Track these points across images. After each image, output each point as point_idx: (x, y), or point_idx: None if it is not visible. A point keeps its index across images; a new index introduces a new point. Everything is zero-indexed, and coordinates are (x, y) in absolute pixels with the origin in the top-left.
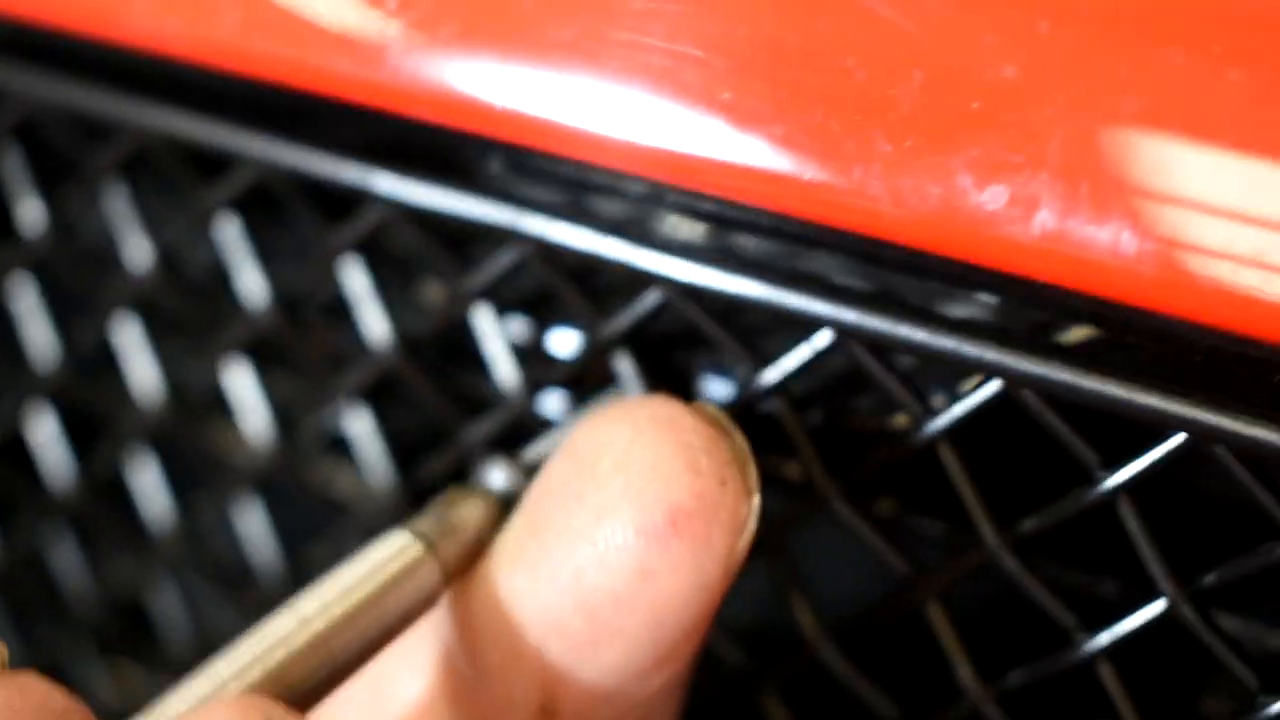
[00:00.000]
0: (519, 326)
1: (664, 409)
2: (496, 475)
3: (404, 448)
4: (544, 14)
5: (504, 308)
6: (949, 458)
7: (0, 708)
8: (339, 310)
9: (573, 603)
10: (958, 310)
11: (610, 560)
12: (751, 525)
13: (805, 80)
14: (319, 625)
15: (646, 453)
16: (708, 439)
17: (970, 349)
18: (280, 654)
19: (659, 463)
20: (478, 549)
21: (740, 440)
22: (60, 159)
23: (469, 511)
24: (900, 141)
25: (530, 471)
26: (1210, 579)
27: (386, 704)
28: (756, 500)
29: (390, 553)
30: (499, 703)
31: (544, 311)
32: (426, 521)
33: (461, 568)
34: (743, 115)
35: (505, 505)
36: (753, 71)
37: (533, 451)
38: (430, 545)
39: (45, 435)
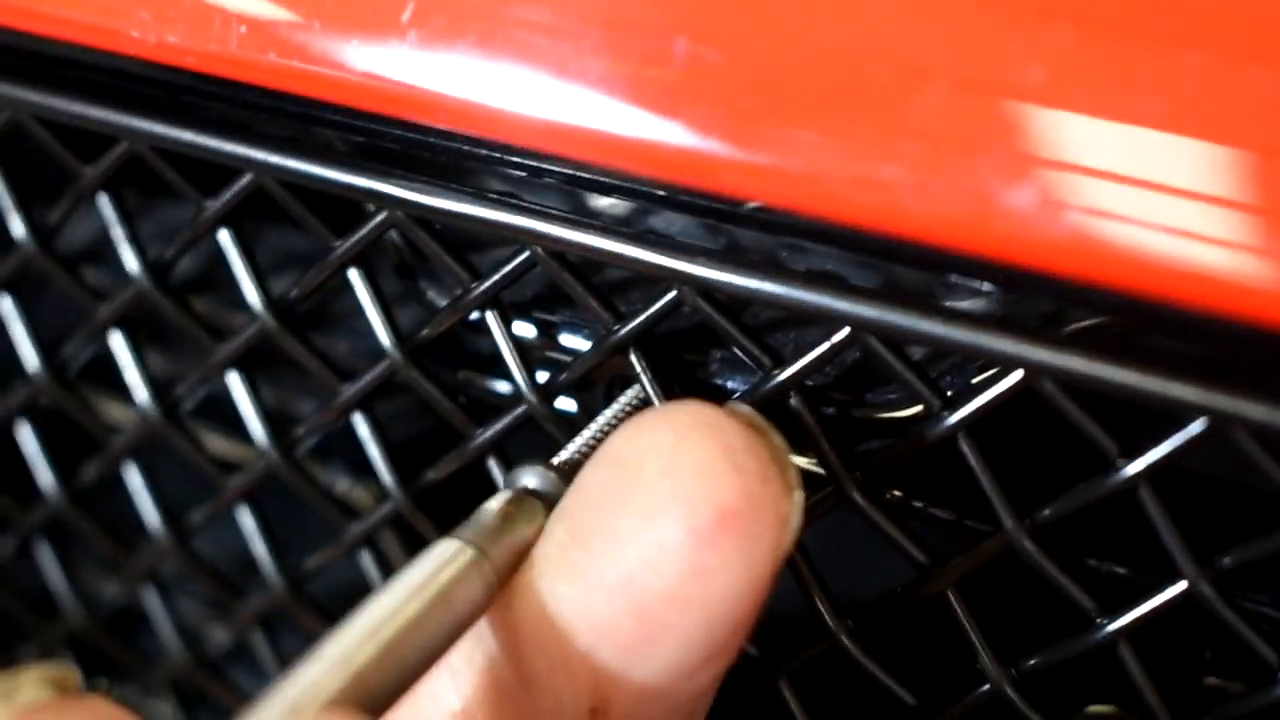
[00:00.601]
0: (523, 327)
1: (703, 413)
2: (532, 480)
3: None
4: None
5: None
6: (969, 448)
7: None
8: (332, 316)
9: (624, 605)
10: (964, 304)
11: (661, 561)
12: (795, 521)
13: (832, 84)
14: (386, 634)
15: (690, 456)
16: (748, 440)
17: (991, 341)
18: (354, 666)
19: (704, 465)
20: (523, 553)
21: (778, 439)
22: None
23: (512, 516)
24: (929, 143)
25: (566, 475)
26: (1229, 560)
27: (426, 718)
28: (799, 496)
29: (443, 560)
30: (547, 710)
31: (544, 311)
32: (472, 529)
33: (510, 570)
34: (767, 121)
35: (545, 510)
36: (778, 78)
37: (565, 455)
38: (481, 551)
39: (29, 446)
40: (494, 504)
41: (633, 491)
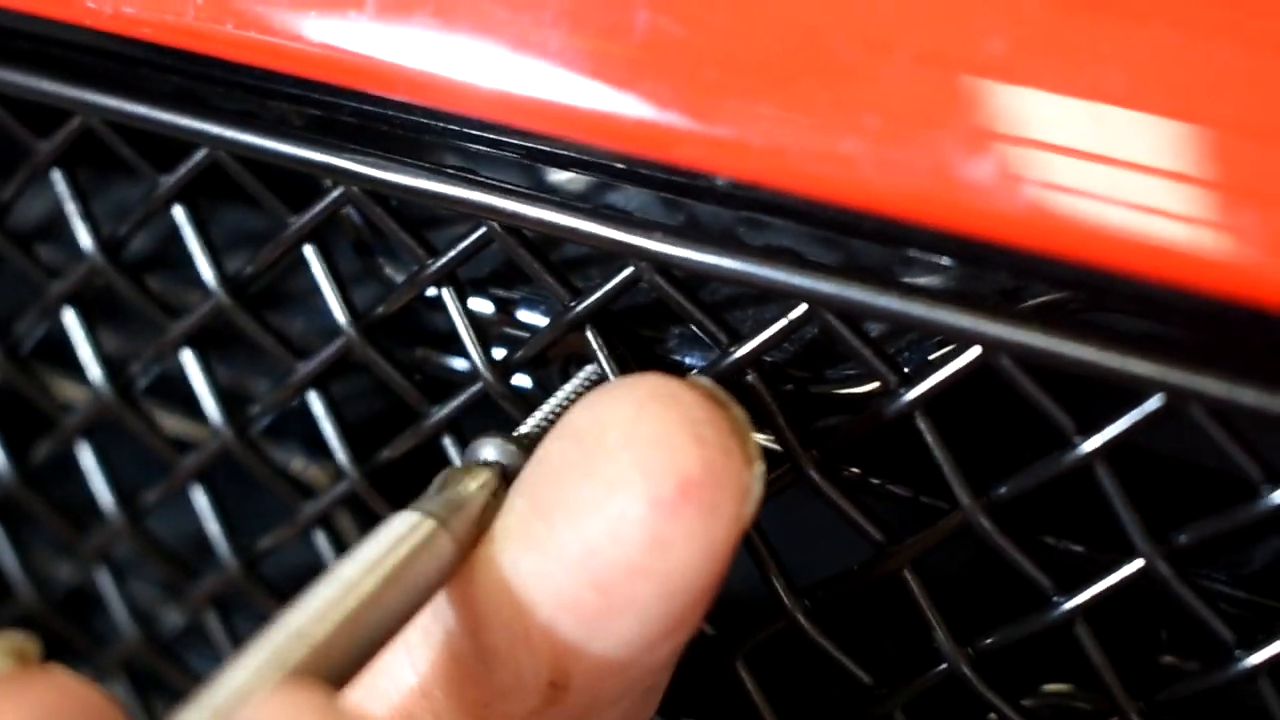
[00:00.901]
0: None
1: (663, 385)
2: (490, 451)
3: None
4: None
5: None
6: (926, 426)
7: (46, 708)
8: (287, 295)
9: (585, 578)
10: (921, 280)
11: (624, 532)
12: (756, 492)
13: (794, 57)
14: (348, 606)
15: (651, 426)
16: (709, 411)
17: (948, 316)
18: (315, 638)
19: (665, 436)
20: (484, 525)
21: (738, 411)
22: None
23: (471, 488)
24: (889, 116)
25: (526, 448)
26: (1185, 538)
27: (382, 693)
28: (759, 468)
29: (404, 530)
30: (506, 685)
31: (501, 288)
32: (432, 500)
33: (470, 542)
34: (728, 94)
35: (505, 482)
36: (738, 51)
37: (526, 429)
38: (441, 523)
39: None
40: (453, 476)
41: (594, 462)
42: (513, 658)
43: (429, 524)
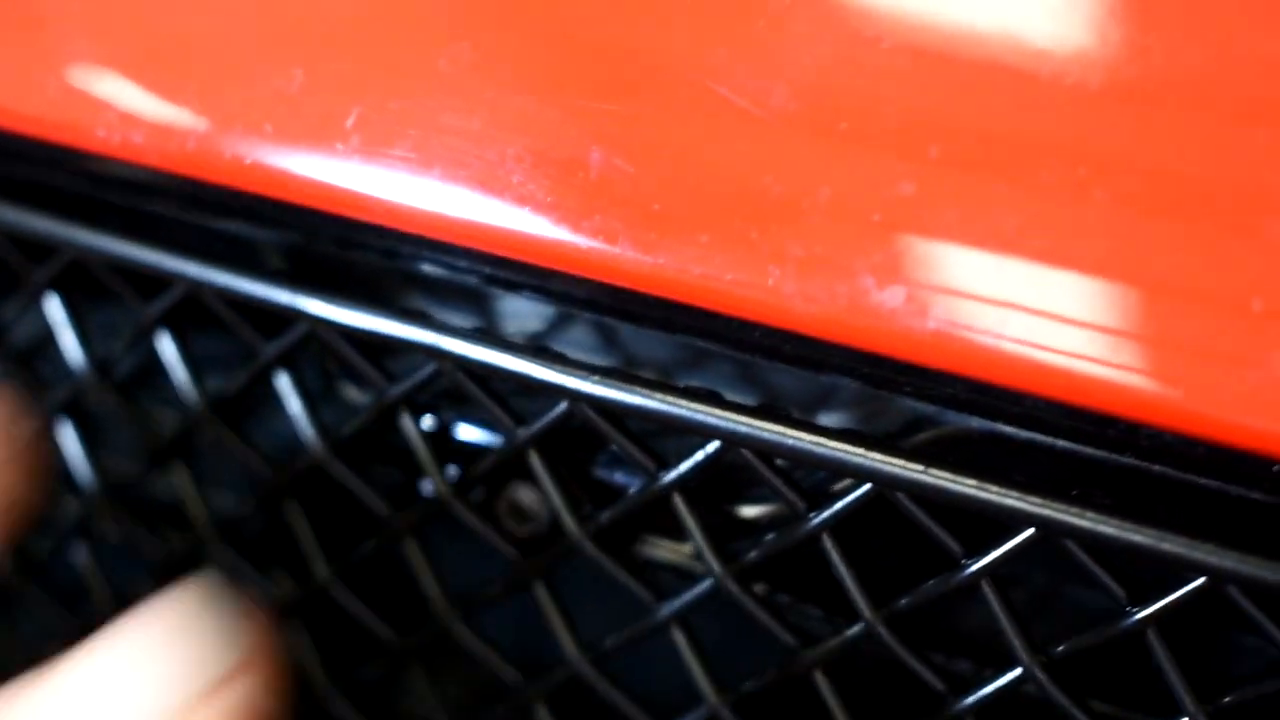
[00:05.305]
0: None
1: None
2: None
3: None
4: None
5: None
6: (830, 545)
7: None
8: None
9: None
10: (829, 417)
11: None
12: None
13: (726, 193)
14: None
15: None
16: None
17: (845, 456)
18: None
19: None
20: None
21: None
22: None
23: None
24: (810, 246)
25: None
26: (1063, 649)
27: None
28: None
29: None
30: None
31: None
32: None
33: None
34: (670, 224)
35: None
36: (678, 186)
37: None
38: None
39: None
40: None
41: None
42: None
43: None
